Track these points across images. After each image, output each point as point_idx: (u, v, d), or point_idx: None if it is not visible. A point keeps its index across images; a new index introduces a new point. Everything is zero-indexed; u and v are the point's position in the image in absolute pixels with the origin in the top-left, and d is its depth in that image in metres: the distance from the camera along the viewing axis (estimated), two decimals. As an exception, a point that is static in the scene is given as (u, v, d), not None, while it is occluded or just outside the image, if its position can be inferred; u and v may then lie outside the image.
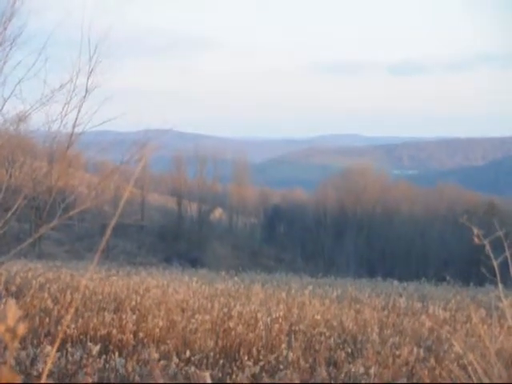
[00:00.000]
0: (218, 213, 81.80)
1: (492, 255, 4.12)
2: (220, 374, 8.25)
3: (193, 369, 8.02)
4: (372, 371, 8.36)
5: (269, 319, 11.61)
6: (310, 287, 18.56)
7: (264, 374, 8.31)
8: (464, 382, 4.82)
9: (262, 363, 8.72)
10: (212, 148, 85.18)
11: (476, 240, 3.87)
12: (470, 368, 4.51)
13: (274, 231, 78.68)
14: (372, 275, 34.34)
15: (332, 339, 10.77)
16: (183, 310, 12.46)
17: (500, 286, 4.26)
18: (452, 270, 53.32)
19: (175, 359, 8.39)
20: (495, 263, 4.10)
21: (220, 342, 10.18)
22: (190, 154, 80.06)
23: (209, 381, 2.50)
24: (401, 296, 18.30)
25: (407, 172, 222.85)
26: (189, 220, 74.26)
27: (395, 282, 25.53)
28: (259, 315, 11.79)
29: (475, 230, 3.83)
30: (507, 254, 4.20)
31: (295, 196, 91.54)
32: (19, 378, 1.94)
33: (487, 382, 4.18)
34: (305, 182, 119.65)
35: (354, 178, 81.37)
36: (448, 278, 23.11)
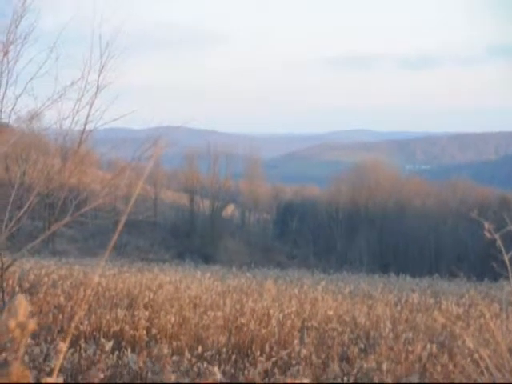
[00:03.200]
0: (230, 209, 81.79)
1: (504, 250, 4.13)
2: (232, 370, 8.26)
3: (205, 365, 8.03)
4: (384, 367, 8.33)
5: (281, 315, 11.62)
6: (323, 283, 18.58)
7: (276, 370, 8.31)
8: (476, 377, 4.80)
9: (274, 359, 8.71)
10: (224, 144, 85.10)
11: (487, 234, 3.88)
12: (482, 364, 4.49)
13: (287, 227, 78.56)
14: (385, 271, 34.26)
15: (345, 335, 10.76)
16: (196, 307, 12.49)
17: (511, 280, 4.24)
18: (466, 265, 53.13)
19: (187, 355, 8.40)
20: (506, 258, 4.10)
21: (232, 338, 10.20)
22: (203, 150, 79.94)
23: (218, 376, 2.51)
24: (414, 292, 18.25)
25: (420, 167, 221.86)
26: (201, 216, 74.27)
27: (408, 278, 25.50)
28: (271, 311, 11.80)
29: (486, 225, 3.83)
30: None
31: (308, 192, 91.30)
32: (29, 374, 1.95)
33: (499, 377, 4.17)
34: (317, 178, 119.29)
35: (366, 174, 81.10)
36: (461, 273, 23.06)
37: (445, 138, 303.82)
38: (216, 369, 2.71)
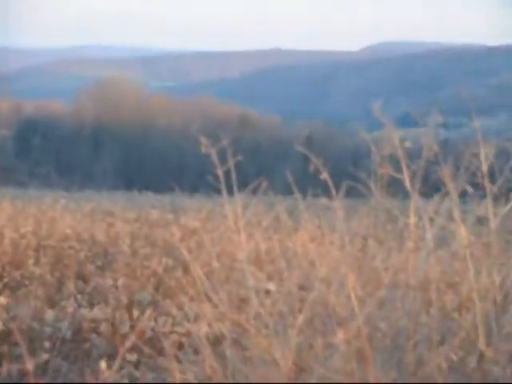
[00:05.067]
0: (-36, 125, 76.83)
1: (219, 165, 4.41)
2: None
3: None
4: (120, 283, 8.43)
5: (16, 235, 11.23)
6: (63, 201, 18.15)
7: (8, 291, 8.08)
8: (205, 288, 5.00)
9: (6, 280, 8.47)
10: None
11: (203, 149, 4.11)
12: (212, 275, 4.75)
13: (28, 145, 75.67)
14: (129, 188, 34.35)
15: (82, 253, 10.68)
16: None
17: (224, 193, 4.56)
18: (207, 180, 54.93)
19: None
20: (220, 172, 4.36)
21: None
22: None
23: None
24: (155, 208, 18.53)
25: (166, 84, 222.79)
26: None
27: (150, 195, 25.85)
28: (6, 231, 11.35)
29: (203, 140, 4.04)
30: (231, 164, 4.47)
31: (51, 107, 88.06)
32: None
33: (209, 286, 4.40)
34: (62, 93, 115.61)
35: (110, 90, 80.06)
36: (202, 189, 23.81)
37: (190, 56, 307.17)
38: None
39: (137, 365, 5.30)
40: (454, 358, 3.88)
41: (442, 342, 4.03)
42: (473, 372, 3.83)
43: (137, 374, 5.11)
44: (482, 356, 3.86)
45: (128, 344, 3.16)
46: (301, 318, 4.13)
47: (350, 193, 4.77)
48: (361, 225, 5.63)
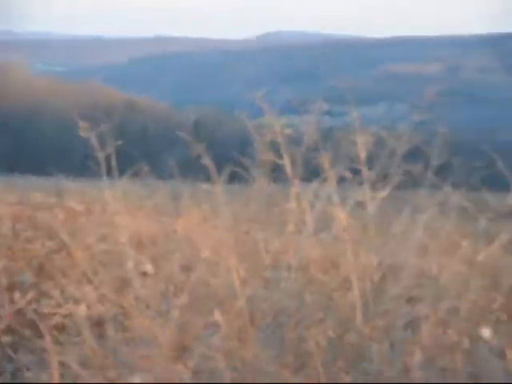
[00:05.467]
0: None
1: (99, 148, 4.40)
2: None
3: None
4: (0, 265, 8.20)
5: None
6: None
7: None
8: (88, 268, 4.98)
9: None
10: None
11: (81, 133, 4.10)
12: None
13: None
14: (12, 171, 33.21)
15: (-40, 236, 10.31)
16: None
17: (104, 177, 4.54)
18: (91, 163, 54.00)
19: None
20: (102, 156, 4.35)
21: None
22: None
23: None
24: (39, 191, 18.01)
25: (56, 69, 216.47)
26: None
27: (33, 178, 25.10)
28: None
29: (81, 124, 4.03)
30: (110, 149, 4.44)
31: None
32: None
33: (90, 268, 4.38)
34: None
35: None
36: (88, 172, 23.38)
37: (79, 41, 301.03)
38: None
39: (16, 347, 5.17)
40: (333, 335, 3.98)
41: (322, 320, 4.14)
42: (351, 348, 3.96)
43: (15, 356, 4.99)
44: (359, 332, 4.00)
45: (2, 325, 3.10)
46: (182, 299, 4.15)
47: (237, 178, 4.82)
48: (244, 209, 5.68)
